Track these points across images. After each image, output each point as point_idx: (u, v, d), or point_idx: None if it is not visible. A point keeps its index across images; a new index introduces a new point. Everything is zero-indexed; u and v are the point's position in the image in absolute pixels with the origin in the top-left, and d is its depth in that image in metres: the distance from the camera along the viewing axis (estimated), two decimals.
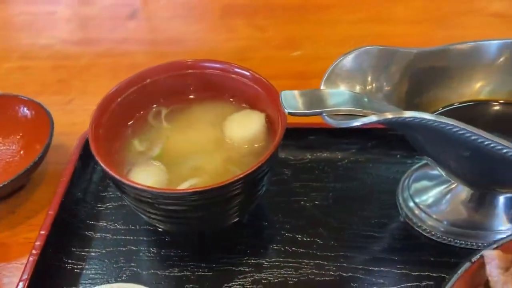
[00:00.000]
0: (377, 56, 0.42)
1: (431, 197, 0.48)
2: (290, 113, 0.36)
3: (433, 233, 0.46)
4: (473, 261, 0.30)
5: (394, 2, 0.84)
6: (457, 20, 0.80)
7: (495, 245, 0.31)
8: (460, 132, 0.34)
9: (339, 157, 0.55)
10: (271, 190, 0.52)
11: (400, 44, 0.45)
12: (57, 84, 0.71)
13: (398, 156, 0.54)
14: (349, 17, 0.82)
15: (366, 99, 0.40)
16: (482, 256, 0.30)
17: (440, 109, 0.45)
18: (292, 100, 0.37)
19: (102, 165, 0.39)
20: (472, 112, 0.45)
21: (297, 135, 0.56)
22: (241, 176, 0.38)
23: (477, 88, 0.45)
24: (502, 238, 0.31)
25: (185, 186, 0.41)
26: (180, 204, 0.39)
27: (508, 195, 0.45)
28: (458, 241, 0.46)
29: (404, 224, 0.48)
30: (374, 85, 0.42)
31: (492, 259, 0.29)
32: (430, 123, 0.34)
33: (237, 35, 0.81)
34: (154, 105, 0.49)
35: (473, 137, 0.34)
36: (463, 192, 0.46)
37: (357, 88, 0.41)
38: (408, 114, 0.34)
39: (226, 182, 0.38)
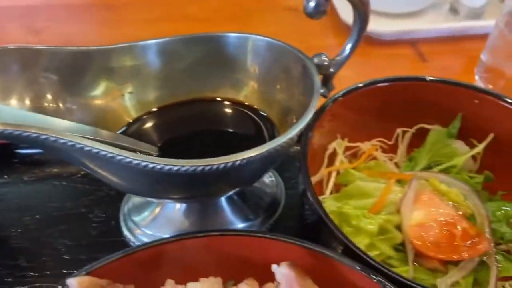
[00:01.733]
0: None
1: (148, 215, 0.42)
2: None
3: None
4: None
5: (190, 2, 0.80)
6: (253, 16, 0.77)
7: (85, 270, 0.24)
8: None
9: (73, 171, 0.47)
10: None
11: None
12: None
13: None
14: (140, 16, 0.76)
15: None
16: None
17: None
18: None
19: None
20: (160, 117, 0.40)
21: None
22: None
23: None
24: (97, 262, 0.25)
25: None
26: None
27: (226, 195, 0.40)
28: None
29: (126, 245, 0.41)
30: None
31: (74, 286, 0.23)
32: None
33: (6, 38, 0.70)
34: None
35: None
36: (175, 204, 0.40)
37: None
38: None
39: None
